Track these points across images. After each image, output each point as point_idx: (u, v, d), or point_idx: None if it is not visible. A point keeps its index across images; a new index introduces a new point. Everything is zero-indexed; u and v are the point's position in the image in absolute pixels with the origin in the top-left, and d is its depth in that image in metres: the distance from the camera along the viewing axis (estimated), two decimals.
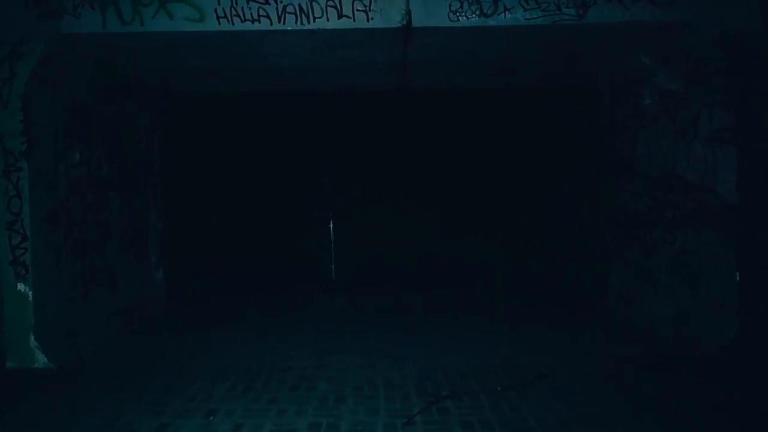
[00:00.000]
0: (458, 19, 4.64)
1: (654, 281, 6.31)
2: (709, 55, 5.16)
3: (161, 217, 7.60)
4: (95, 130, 6.03)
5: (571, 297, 7.85)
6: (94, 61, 5.79)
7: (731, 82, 5.04)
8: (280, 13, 4.67)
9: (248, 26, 4.66)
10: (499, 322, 6.46)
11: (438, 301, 7.63)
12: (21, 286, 4.87)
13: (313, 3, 4.65)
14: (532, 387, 4.40)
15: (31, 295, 4.90)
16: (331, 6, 4.66)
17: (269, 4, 4.66)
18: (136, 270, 6.89)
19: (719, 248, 5.20)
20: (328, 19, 4.66)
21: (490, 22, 4.65)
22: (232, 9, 4.64)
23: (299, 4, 4.67)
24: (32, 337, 4.93)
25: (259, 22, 4.64)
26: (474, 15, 4.66)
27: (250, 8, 4.64)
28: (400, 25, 4.68)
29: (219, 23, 4.67)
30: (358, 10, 4.66)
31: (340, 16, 4.67)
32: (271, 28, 4.68)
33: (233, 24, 4.67)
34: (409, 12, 4.64)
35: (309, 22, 4.66)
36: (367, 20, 4.65)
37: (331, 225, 7.90)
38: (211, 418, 3.85)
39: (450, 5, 4.66)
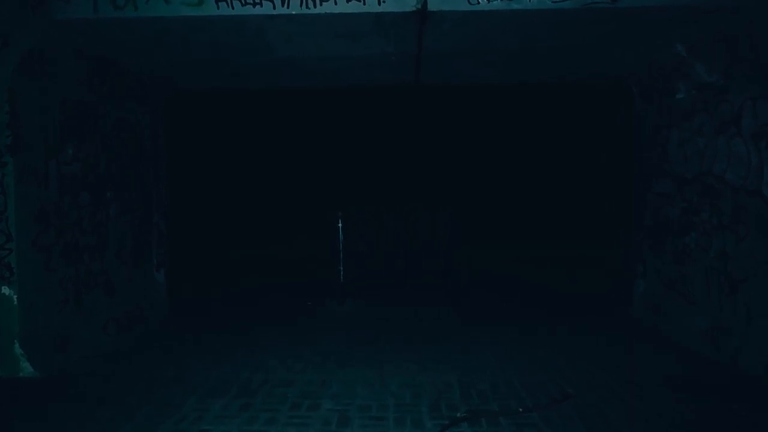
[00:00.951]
0: (478, 2, 4.22)
1: (687, 290, 5.83)
2: (756, 42, 4.68)
3: (164, 218, 7.27)
4: (93, 127, 5.71)
5: (596, 305, 7.38)
6: (90, 56, 5.46)
7: None
8: None
9: (249, 10, 4.28)
10: (519, 334, 6.02)
11: (455, 308, 7.20)
12: (5, 290, 4.55)
13: None
14: (557, 408, 3.97)
15: (16, 299, 4.57)
16: None
17: None
18: (136, 273, 6.56)
19: (764, 255, 4.72)
20: (336, 2, 4.27)
21: (514, 5, 4.23)
22: None
23: None
24: (17, 344, 4.60)
25: (261, 6, 4.26)
26: None
27: None
28: (414, 8, 4.28)
29: (218, 7, 4.30)
30: None
31: None
32: (274, 12, 4.29)
33: (233, 8, 4.30)
34: None
35: (315, 6, 4.27)
36: (379, 3, 4.25)
37: (340, 225, 7.50)
38: None
39: None
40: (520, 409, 3.94)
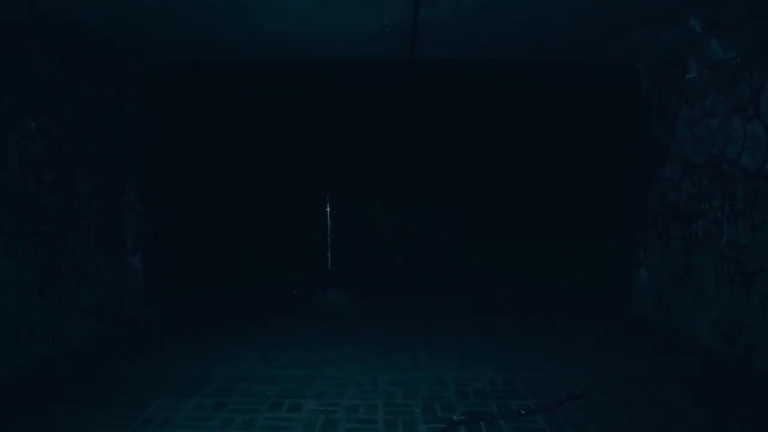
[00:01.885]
0: None
1: (695, 281, 5.52)
2: None
3: (140, 201, 6.83)
4: (62, 102, 5.25)
5: (597, 297, 7.08)
6: (59, 24, 4.99)
7: None
8: None
9: None
10: (517, 326, 5.70)
11: (450, 301, 6.86)
12: None
13: None
14: (563, 410, 3.64)
15: None
16: None
17: None
18: (110, 259, 6.13)
19: None
20: None
21: None
22: None
23: None
24: None
25: None
26: None
27: None
28: None
29: None
30: None
31: None
32: None
33: None
34: None
35: None
36: None
37: (328, 209, 7.11)
38: None
39: None
40: (523, 412, 3.61)
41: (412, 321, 5.97)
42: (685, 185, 5.74)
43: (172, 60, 6.77)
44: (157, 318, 6.03)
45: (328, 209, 7.07)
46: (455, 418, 3.51)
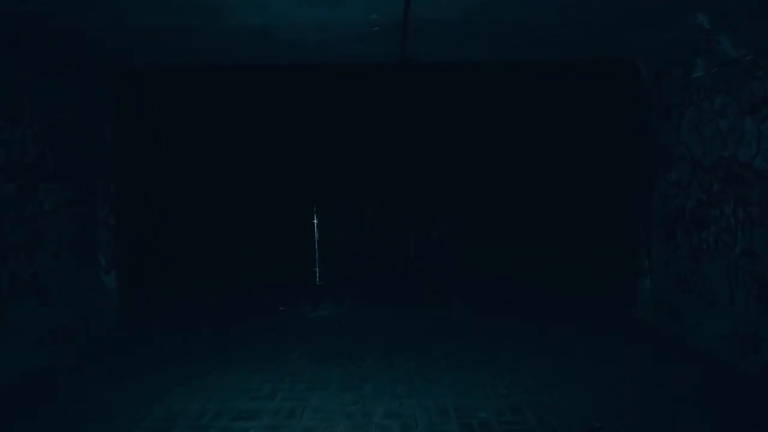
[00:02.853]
0: None
1: (705, 290, 5.21)
2: None
3: (114, 213, 6.39)
4: (19, 107, 4.81)
5: (599, 304, 6.76)
6: (16, 18, 4.55)
7: None
8: None
9: None
10: (519, 334, 5.36)
11: (446, 312, 6.49)
12: None
13: None
14: None
15: None
16: None
17: None
18: (80, 277, 5.68)
19: None
20: None
21: None
22: None
23: None
24: None
25: None
26: None
27: None
28: None
29: None
30: None
31: None
32: None
33: None
34: None
35: None
36: None
37: (315, 221, 6.72)
38: None
39: None
40: None
41: (406, 332, 5.59)
42: (693, 189, 5.44)
43: (145, 61, 6.34)
44: (129, 338, 5.59)
45: (315, 219, 6.69)
46: None
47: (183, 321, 6.21)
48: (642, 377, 4.32)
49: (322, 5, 4.61)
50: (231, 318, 6.29)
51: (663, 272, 5.99)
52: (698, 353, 4.93)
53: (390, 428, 3.49)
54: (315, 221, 6.65)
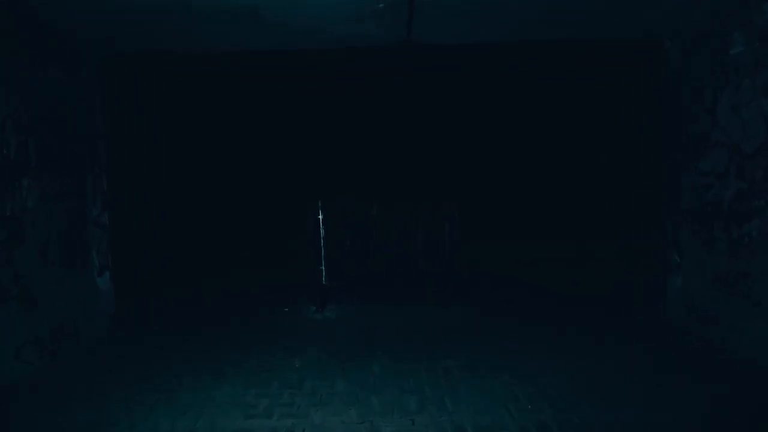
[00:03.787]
0: None
1: (748, 288, 4.73)
2: None
3: (106, 210, 6.03)
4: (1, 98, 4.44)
5: (620, 304, 6.29)
6: None
7: None
8: None
9: None
10: (530, 337, 4.93)
11: (455, 313, 6.06)
12: None
13: None
14: None
15: None
16: None
17: None
18: (69, 278, 5.33)
19: None
20: None
21: None
22: None
23: None
24: None
25: None
26: None
27: None
28: None
29: None
30: None
31: None
32: None
33: None
34: None
35: None
36: None
37: (321, 217, 6.31)
38: None
39: None
40: None
41: (413, 335, 5.18)
42: (731, 178, 4.94)
43: (134, 48, 5.94)
44: (121, 344, 5.23)
45: (320, 215, 6.28)
46: None
47: (180, 325, 5.84)
48: (680, 391, 3.87)
49: None
50: (230, 320, 5.91)
51: (695, 270, 5.51)
52: (737, 358, 4.46)
53: None
54: (321, 217, 6.24)
